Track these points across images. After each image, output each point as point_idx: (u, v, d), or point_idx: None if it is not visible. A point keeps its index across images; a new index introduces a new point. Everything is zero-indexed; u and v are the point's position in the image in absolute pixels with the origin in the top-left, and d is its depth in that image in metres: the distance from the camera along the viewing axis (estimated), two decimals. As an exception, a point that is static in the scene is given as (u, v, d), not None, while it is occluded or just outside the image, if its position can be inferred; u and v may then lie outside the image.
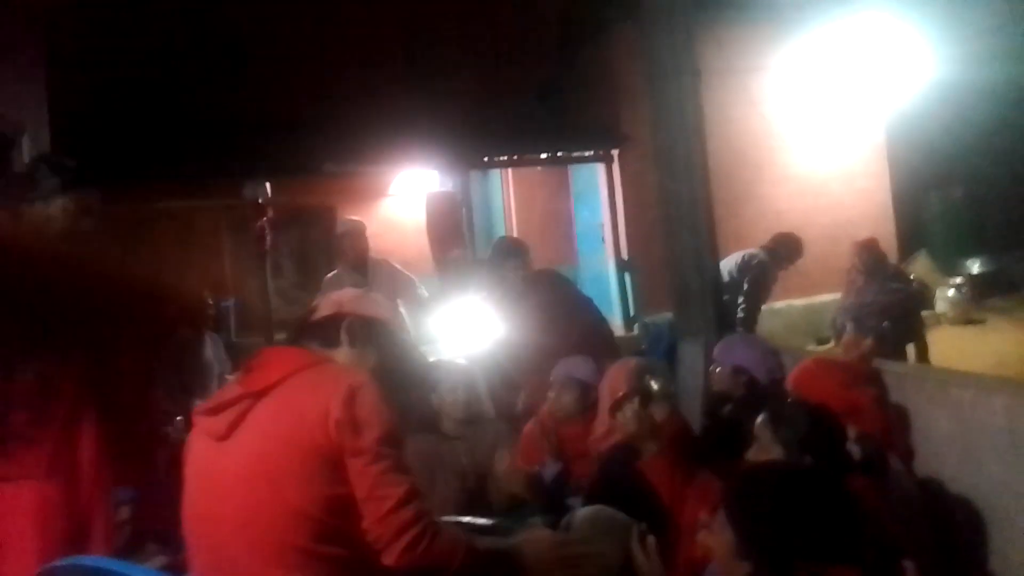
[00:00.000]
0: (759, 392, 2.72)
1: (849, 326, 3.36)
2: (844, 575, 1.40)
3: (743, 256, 5.50)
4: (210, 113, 6.99)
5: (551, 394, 3.04)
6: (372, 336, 1.79)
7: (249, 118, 7.00)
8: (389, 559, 1.56)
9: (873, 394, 2.67)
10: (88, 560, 1.54)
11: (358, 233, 4.64)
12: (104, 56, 6.48)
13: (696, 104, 4.03)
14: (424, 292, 4.67)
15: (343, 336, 1.77)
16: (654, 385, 2.54)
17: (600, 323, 3.74)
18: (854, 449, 2.17)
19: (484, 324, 3.93)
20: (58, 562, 1.59)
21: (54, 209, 2.11)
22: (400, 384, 1.80)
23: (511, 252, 3.84)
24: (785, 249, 5.64)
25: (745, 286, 5.34)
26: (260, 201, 4.97)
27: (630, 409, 2.32)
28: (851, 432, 2.19)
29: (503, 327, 3.66)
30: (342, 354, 1.76)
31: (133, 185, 6.36)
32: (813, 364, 2.71)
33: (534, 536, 1.83)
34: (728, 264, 5.38)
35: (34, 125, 3.95)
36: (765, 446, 1.98)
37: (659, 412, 2.41)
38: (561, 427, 2.98)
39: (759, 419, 2.02)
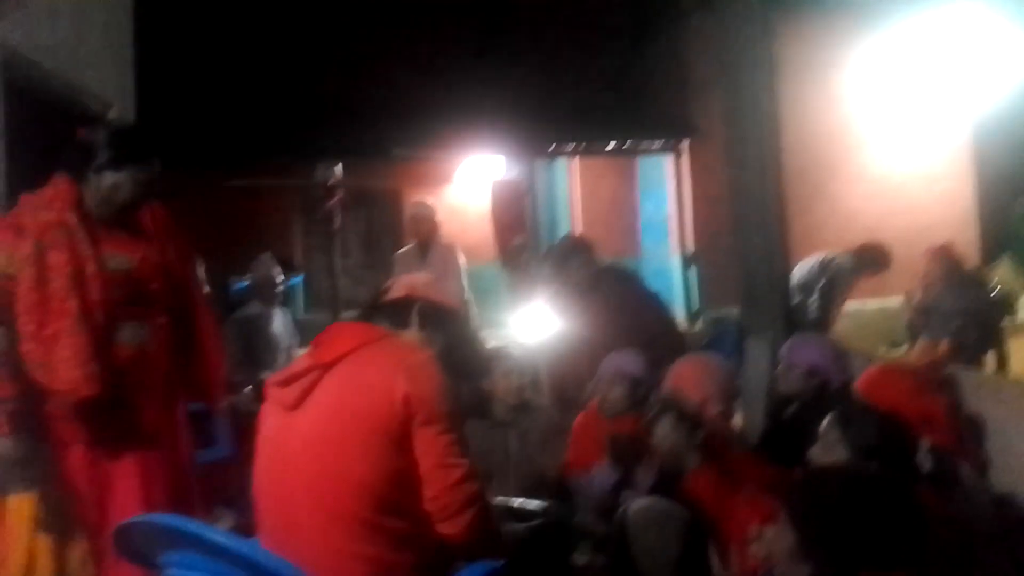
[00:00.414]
0: (828, 395, 2.65)
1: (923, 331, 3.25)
2: None
3: (823, 258, 5.38)
4: (287, 95, 7.15)
5: (599, 389, 3.00)
6: (441, 322, 1.84)
7: (324, 101, 7.14)
8: (452, 528, 1.60)
9: (946, 402, 2.57)
10: (161, 518, 1.60)
11: (426, 216, 4.78)
12: (190, 35, 6.68)
13: (771, 98, 3.92)
14: (466, 293, 4.83)
15: (413, 318, 1.82)
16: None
17: (667, 319, 3.70)
18: (924, 460, 2.10)
19: (546, 316, 3.94)
20: (135, 519, 1.66)
21: (118, 178, 2.16)
22: (463, 371, 1.84)
23: (576, 249, 3.83)
24: (871, 257, 5.47)
25: (820, 287, 5.22)
26: (330, 183, 5.07)
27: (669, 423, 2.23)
28: (923, 443, 2.12)
29: (566, 322, 3.65)
30: (410, 336, 1.81)
31: (212, 162, 6.57)
32: (883, 369, 2.63)
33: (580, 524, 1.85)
34: (807, 265, 5.27)
35: (121, 102, 4.09)
36: (830, 447, 1.93)
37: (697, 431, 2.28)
38: (611, 424, 2.92)
39: (827, 419, 1.97)
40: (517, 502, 2.23)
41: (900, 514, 1.42)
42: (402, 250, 4.99)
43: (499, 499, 2.16)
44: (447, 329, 1.84)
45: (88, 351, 2.00)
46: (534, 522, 2.11)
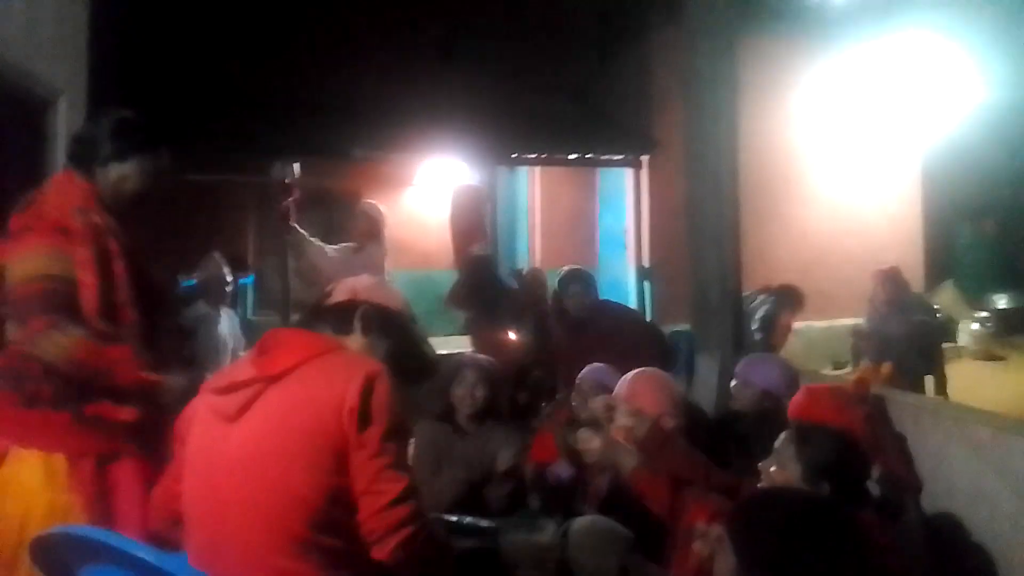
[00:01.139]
0: (780, 415, 2.68)
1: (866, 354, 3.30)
2: None
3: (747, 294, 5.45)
4: (244, 88, 7.02)
5: (575, 399, 3.04)
6: (385, 325, 1.79)
7: (282, 97, 7.02)
8: (381, 553, 1.55)
9: (863, 413, 2.60)
10: (83, 530, 1.54)
11: (375, 216, 4.74)
12: (145, 23, 6.52)
13: (732, 115, 3.98)
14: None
15: (356, 323, 1.77)
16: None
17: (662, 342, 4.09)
18: (872, 487, 2.13)
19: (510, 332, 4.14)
20: (51, 530, 1.59)
21: (125, 169, 2.12)
22: (409, 374, 1.80)
23: (576, 279, 4.24)
24: (788, 299, 5.51)
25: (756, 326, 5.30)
26: (287, 180, 4.97)
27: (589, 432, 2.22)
28: (876, 468, 2.15)
29: (541, 340, 3.86)
30: (354, 341, 1.76)
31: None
32: (806, 392, 2.65)
33: (522, 542, 1.82)
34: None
35: (71, 89, 3.98)
36: (784, 463, 1.94)
37: (640, 427, 2.33)
38: None
39: (783, 435, 1.98)
40: (466, 520, 2.21)
41: (842, 540, 1.42)
42: (337, 246, 4.82)
43: (446, 517, 2.13)
44: (391, 333, 1.80)
45: (147, 356, 2.02)
46: (474, 541, 2.08)
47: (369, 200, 5.16)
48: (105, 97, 4.41)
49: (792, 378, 2.91)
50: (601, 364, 3.14)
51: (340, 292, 1.83)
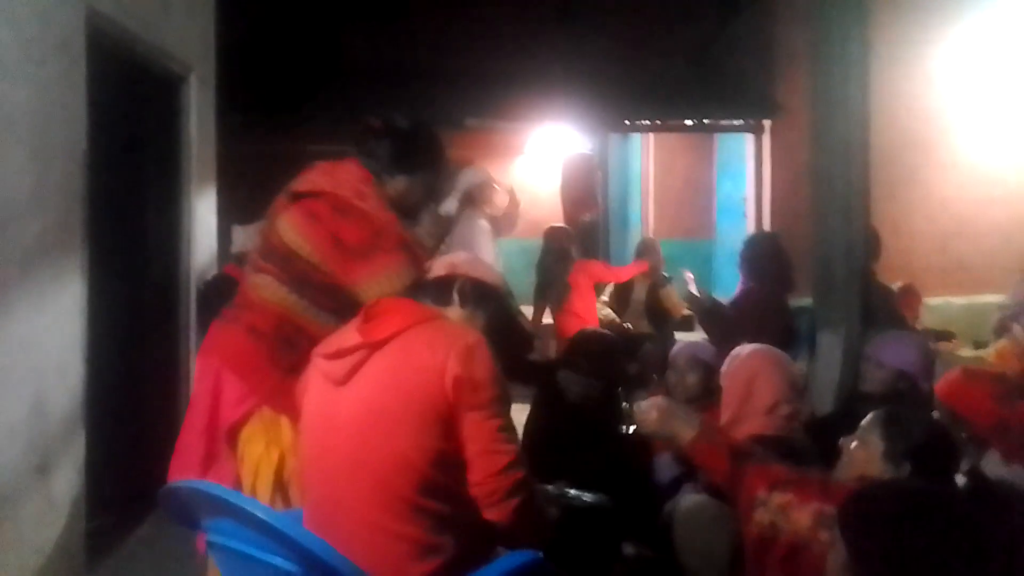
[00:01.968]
0: (915, 399, 2.52)
1: (1016, 331, 3.06)
2: None
3: None
4: (360, 59, 7.18)
5: (672, 375, 2.96)
6: (482, 299, 1.84)
7: (396, 67, 7.14)
8: (497, 514, 1.60)
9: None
10: (205, 485, 1.63)
11: (486, 184, 4.68)
12: (271, 2, 6.77)
13: (862, 76, 3.72)
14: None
15: (455, 296, 1.82)
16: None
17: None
18: (962, 477, 1.98)
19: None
20: (180, 483, 1.69)
21: (409, 183, 2.14)
22: (505, 347, 1.82)
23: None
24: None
25: None
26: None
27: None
28: (963, 462, 2.00)
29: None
30: (453, 312, 1.82)
31: (290, 127, 6.68)
32: (962, 374, 2.47)
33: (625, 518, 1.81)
34: None
35: (202, 65, 4.17)
36: (868, 443, 1.83)
37: None
38: None
39: (871, 416, 1.87)
40: (571, 492, 2.20)
41: (957, 534, 1.33)
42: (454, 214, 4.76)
43: (551, 488, 2.13)
44: (488, 306, 1.84)
45: None
46: (584, 504, 2.07)
47: (474, 166, 5.06)
48: (232, 72, 4.62)
49: (930, 359, 2.74)
50: (696, 340, 3.06)
51: (439, 267, 1.89)
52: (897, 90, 6.52)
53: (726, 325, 3.82)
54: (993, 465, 2.22)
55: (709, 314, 4.08)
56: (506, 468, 1.59)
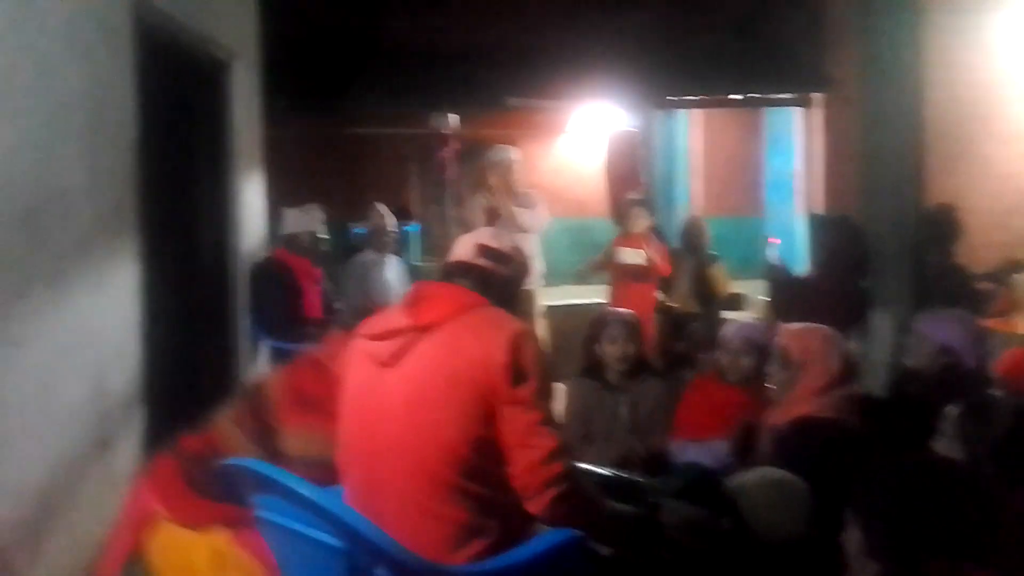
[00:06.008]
0: (959, 376, 2.44)
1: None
2: None
3: None
4: (404, 42, 7.18)
5: (724, 356, 2.92)
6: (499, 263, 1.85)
7: (438, 48, 7.12)
8: (535, 508, 1.60)
9: None
10: (253, 463, 1.67)
11: (506, 164, 4.54)
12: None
13: (915, 45, 3.61)
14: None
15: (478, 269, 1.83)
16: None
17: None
18: None
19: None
20: (230, 461, 1.73)
21: None
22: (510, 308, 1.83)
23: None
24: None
25: None
26: (444, 132, 5.06)
27: None
28: None
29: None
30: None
31: (333, 110, 6.73)
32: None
33: (680, 512, 1.77)
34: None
35: (245, 51, 4.22)
36: (951, 441, 1.77)
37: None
38: (729, 392, 2.84)
39: (954, 411, 1.80)
40: (621, 475, 2.17)
41: (973, 505, 1.29)
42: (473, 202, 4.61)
43: (599, 471, 2.12)
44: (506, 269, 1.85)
45: None
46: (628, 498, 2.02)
47: (503, 146, 4.93)
48: (276, 57, 4.67)
49: (979, 338, 2.64)
50: (751, 322, 2.99)
51: (462, 246, 1.91)
52: (953, 60, 6.25)
53: (799, 304, 3.71)
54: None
55: (785, 288, 3.98)
56: (543, 461, 1.58)
